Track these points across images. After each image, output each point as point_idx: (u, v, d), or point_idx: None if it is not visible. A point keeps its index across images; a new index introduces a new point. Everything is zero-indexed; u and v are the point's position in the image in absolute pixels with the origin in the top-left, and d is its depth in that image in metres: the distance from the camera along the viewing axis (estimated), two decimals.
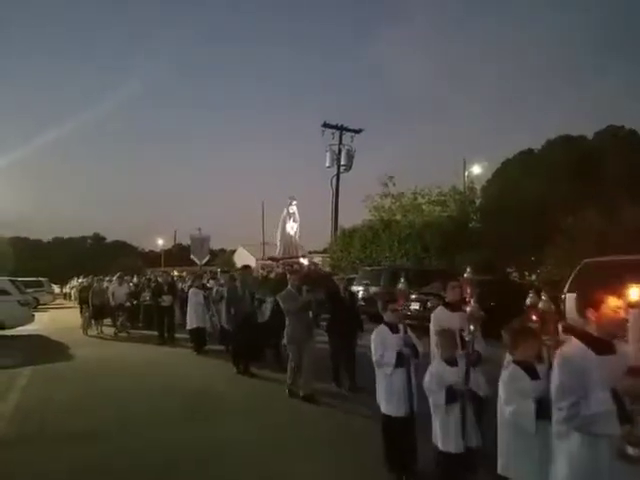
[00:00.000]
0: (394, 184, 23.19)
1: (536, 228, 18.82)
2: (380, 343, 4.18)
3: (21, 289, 15.40)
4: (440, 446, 3.52)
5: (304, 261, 9.87)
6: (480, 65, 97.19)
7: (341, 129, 23.92)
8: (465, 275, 3.85)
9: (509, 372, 2.92)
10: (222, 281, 10.89)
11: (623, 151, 22.95)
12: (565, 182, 22.23)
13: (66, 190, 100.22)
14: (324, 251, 27.89)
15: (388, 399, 4.13)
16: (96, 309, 13.86)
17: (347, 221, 25.48)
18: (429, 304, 12.00)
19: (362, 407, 5.77)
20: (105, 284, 15.65)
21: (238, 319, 8.16)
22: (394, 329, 4.22)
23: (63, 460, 4.77)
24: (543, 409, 2.64)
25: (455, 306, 4.46)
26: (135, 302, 14.45)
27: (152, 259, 56.05)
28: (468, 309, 3.48)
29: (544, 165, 23.67)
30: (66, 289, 35.30)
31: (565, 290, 9.18)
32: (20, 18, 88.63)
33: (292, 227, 11.13)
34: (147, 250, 67.34)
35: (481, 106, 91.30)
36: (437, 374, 3.53)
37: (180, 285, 14.01)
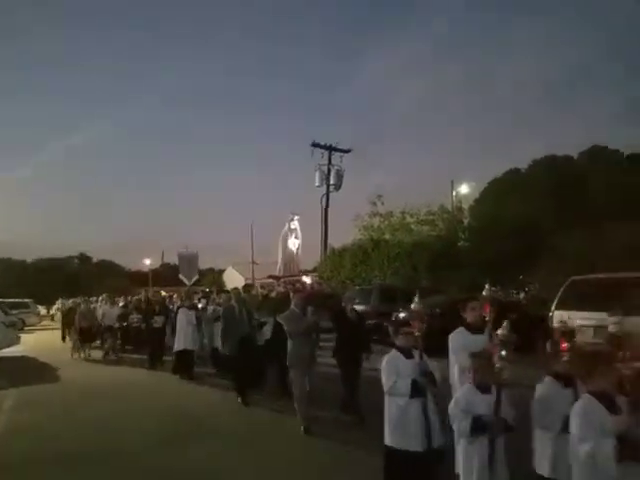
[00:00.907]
0: (382, 203, 23.25)
1: (523, 246, 19.06)
2: (392, 370, 3.73)
3: (6, 311, 15.48)
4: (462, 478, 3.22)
5: (307, 279, 9.49)
6: (468, 85, 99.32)
7: (330, 149, 24.03)
8: (484, 293, 3.63)
9: (583, 404, 2.57)
10: (220, 300, 10.49)
11: (606, 170, 23.51)
12: (550, 200, 22.66)
13: (49, 209, 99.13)
14: (314, 270, 27.82)
15: (399, 432, 3.70)
16: (84, 332, 13.56)
17: (337, 240, 25.46)
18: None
19: (366, 439, 5.23)
20: (92, 305, 15.25)
21: (235, 341, 7.72)
22: (408, 354, 3.81)
23: None
24: (627, 449, 2.34)
25: (476, 328, 4.13)
26: (125, 324, 14.01)
27: (139, 279, 55.13)
28: (499, 332, 3.17)
29: (530, 184, 24.09)
30: (52, 310, 34.83)
31: (552, 308, 9.36)
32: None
33: (294, 244, 10.40)
34: (134, 270, 66.59)
35: (469, 126, 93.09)
36: (465, 400, 3.21)
37: (170, 306, 13.72)
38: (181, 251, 21.12)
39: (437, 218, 22.64)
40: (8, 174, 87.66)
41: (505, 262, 19.09)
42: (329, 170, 23.99)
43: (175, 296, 17.80)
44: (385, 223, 23.24)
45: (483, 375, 3.23)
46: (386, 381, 3.73)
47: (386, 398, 3.84)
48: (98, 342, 14.29)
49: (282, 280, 9.14)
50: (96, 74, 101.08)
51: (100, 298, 15.63)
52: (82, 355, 13.68)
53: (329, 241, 24.32)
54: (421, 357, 3.76)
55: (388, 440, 3.79)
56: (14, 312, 18.10)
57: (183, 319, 10.06)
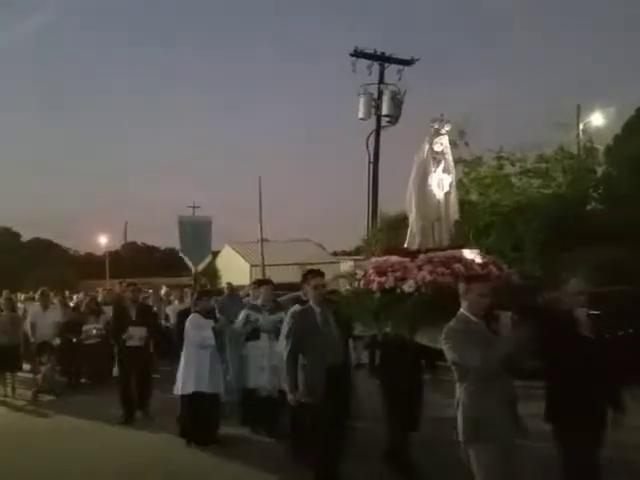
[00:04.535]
0: (466, 144, 21.14)
1: None
2: None
3: None
4: None
5: (474, 256, 6.41)
6: None
7: (382, 59, 23.03)
8: None
9: None
10: (259, 300, 9.13)
11: None
12: None
13: None
14: (356, 252, 26.79)
15: None
16: (3, 353, 12.60)
17: (392, 204, 23.76)
18: None
19: None
20: (20, 307, 15.39)
21: (318, 380, 6.04)
22: None
23: None
24: None
25: None
26: (74, 339, 13.38)
27: (91, 266, 56.82)
28: None
29: None
30: None
31: None
32: None
33: (441, 183, 6.55)
34: (83, 253, 70.08)
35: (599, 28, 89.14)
36: None
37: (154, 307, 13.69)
38: (184, 216, 19.50)
39: (554, 166, 21.90)
40: None
41: None
42: (380, 92, 22.88)
43: (164, 292, 18.49)
44: (470, 175, 22.28)
45: None
46: None
47: None
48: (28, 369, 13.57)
49: (425, 258, 6.08)
50: None
51: (37, 296, 15.49)
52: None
53: (380, 205, 23.81)
54: None
55: None
56: None
57: (193, 336, 8.75)
